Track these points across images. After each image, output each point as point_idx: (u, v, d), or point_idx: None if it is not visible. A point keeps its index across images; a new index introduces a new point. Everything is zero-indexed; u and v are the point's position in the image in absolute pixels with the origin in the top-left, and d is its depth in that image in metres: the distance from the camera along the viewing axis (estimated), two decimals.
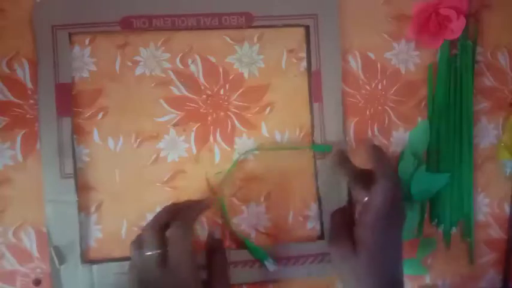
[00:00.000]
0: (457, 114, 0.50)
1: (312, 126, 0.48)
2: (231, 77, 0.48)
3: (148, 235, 0.39)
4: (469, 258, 0.51)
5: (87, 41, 0.46)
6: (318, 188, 0.48)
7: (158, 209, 0.46)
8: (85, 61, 0.46)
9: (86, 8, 0.45)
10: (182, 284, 0.38)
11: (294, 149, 0.48)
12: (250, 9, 0.47)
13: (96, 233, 0.46)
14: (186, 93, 0.47)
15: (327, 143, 0.48)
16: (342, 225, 0.42)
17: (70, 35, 0.45)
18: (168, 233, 0.39)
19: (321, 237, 0.48)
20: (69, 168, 0.45)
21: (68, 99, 0.45)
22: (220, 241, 0.45)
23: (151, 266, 0.38)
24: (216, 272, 0.42)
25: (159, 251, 0.38)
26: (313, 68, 0.48)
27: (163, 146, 0.47)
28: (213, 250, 0.43)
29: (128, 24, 0.46)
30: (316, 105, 0.48)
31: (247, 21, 0.47)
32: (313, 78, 0.48)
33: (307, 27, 0.48)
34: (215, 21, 0.47)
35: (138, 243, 0.39)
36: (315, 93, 0.48)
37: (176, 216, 0.40)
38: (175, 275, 0.38)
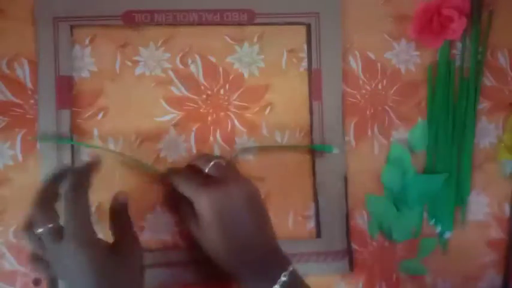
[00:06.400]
0: (457, 115, 0.50)
1: (311, 125, 0.48)
2: (231, 77, 0.48)
3: (35, 213, 0.37)
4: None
5: (87, 41, 0.46)
6: (315, 188, 0.48)
7: (158, 209, 0.47)
8: (85, 61, 0.46)
9: (88, 1, 0.45)
10: (82, 254, 0.36)
11: (291, 147, 0.48)
12: (252, 6, 0.47)
13: None
14: (186, 93, 0.47)
15: (326, 142, 0.48)
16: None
17: (71, 27, 0.45)
18: (62, 202, 0.37)
19: (318, 236, 0.48)
20: (67, 160, 0.45)
21: (69, 92, 0.45)
22: (124, 205, 0.42)
23: (47, 242, 0.36)
24: (122, 234, 0.40)
25: (50, 225, 0.36)
26: (314, 67, 0.48)
27: (163, 146, 0.47)
28: (118, 213, 0.41)
29: (129, 19, 0.46)
30: (315, 104, 0.48)
31: (249, 18, 0.47)
32: (313, 77, 0.48)
33: (308, 26, 0.48)
34: (217, 18, 0.47)
35: (27, 225, 0.37)
36: (314, 92, 0.48)
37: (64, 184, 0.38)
38: (73, 246, 0.35)
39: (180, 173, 0.44)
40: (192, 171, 0.43)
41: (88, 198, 0.38)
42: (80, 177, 0.39)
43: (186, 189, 0.41)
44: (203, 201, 0.40)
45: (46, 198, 0.38)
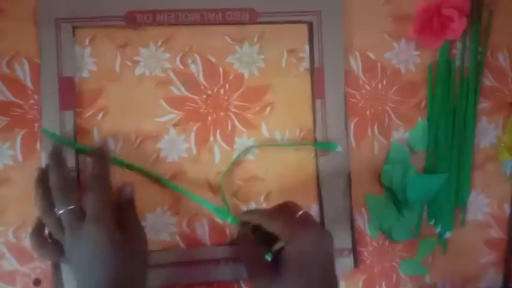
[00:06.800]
0: (457, 115, 0.50)
1: (314, 123, 0.48)
2: (231, 77, 0.48)
3: (56, 195, 0.40)
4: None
5: (87, 41, 0.46)
6: (319, 185, 0.48)
7: (158, 209, 0.47)
8: (85, 61, 0.46)
9: (90, 2, 0.45)
10: (102, 235, 0.38)
11: (295, 145, 0.48)
12: (254, 5, 0.47)
13: None
14: (186, 93, 0.47)
15: (329, 140, 0.48)
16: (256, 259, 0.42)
17: (74, 28, 0.45)
18: (88, 185, 0.40)
19: None
20: (71, 162, 0.45)
21: (71, 93, 0.45)
22: (131, 197, 0.44)
23: (67, 223, 0.39)
24: (130, 224, 0.42)
25: (71, 207, 0.39)
26: (316, 65, 0.48)
27: (163, 146, 0.47)
28: (125, 204, 0.43)
29: (131, 19, 0.46)
30: (318, 102, 0.48)
31: (251, 18, 0.47)
32: (315, 75, 0.48)
33: (310, 24, 0.48)
34: (219, 17, 0.47)
35: (46, 207, 0.40)
36: (317, 90, 0.48)
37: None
38: (94, 227, 0.38)
39: (269, 212, 0.43)
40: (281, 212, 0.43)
41: (111, 184, 0.42)
42: (103, 164, 0.43)
43: (279, 227, 0.41)
44: (298, 244, 0.39)
45: (66, 181, 0.41)
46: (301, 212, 0.42)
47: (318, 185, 0.48)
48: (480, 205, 0.52)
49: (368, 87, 0.50)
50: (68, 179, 0.41)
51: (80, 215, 0.39)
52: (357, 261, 0.49)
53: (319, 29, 0.48)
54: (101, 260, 0.38)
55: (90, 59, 0.46)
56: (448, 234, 0.50)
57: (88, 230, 0.38)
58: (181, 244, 0.47)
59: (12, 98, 0.45)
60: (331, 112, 0.48)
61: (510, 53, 0.52)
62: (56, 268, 0.44)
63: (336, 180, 0.48)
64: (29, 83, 0.45)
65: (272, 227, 0.41)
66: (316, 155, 0.49)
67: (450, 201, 0.50)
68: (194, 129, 0.47)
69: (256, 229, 0.43)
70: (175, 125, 0.47)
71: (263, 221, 0.42)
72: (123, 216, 0.42)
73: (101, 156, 0.44)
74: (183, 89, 0.47)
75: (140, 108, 0.47)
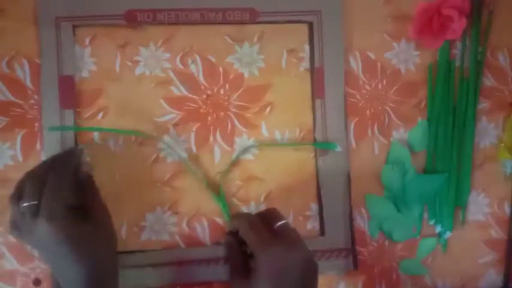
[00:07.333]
0: (457, 115, 0.50)
1: (314, 123, 0.48)
2: (231, 77, 0.48)
3: (27, 185, 0.38)
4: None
5: (87, 41, 0.46)
6: (318, 185, 0.48)
7: (158, 209, 0.47)
8: (85, 61, 0.46)
9: (90, 1, 0.45)
10: (53, 227, 0.36)
11: (295, 145, 0.48)
12: (254, 4, 0.47)
13: None
14: (186, 93, 0.47)
15: (328, 140, 0.48)
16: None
17: (74, 27, 0.45)
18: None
19: (322, 234, 0.49)
20: None
21: (71, 92, 0.45)
22: (90, 175, 0.43)
23: (26, 217, 0.37)
24: (92, 203, 0.41)
25: (35, 202, 0.37)
26: (316, 65, 0.48)
27: (163, 146, 0.47)
28: (85, 183, 0.42)
29: (132, 18, 0.46)
30: (318, 102, 0.48)
31: (251, 17, 0.47)
32: (315, 75, 0.48)
33: (310, 24, 0.48)
34: (219, 16, 0.47)
35: (17, 195, 0.38)
36: (317, 90, 0.48)
37: (56, 167, 0.39)
38: (45, 222, 0.36)
39: (249, 221, 0.42)
40: (260, 222, 0.42)
41: (69, 181, 0.39)
42: (65, 161, 0.40)
43: (252, 240, 0.40)
44: (267, 257, 0.38)
45: (40, 175, 0.38)
46: (280, 223, 0.41)
47: (318, 184, 0.48)
48: (480, 205, 0.52)
49: (368, 87, 0.50)
50: (44, 173, 0.39)
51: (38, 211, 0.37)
52: (356, 261, 0.49)
53: (319, 29, 0.48)
54: (58, 247, 0.37)
55: (90, 59, 0.46)
56: (448, 234, 0.50)
57: (41, 225, 0.36)
58: (181, 244, 0.47)
59: (12, 98, 0.45)
60: (331, 112, 0.48)
61: (510, 53, 0.52)
62: None
63: (336, 180, 0.48)
64: (29, 83, 0.45)
65: (246, 238, 0.40)
66: (315, 155, 0.49)
67: (450, 201, 0.50)
68: (194, 129, 0.47)
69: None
70: (175, 125, 0.47)
71: (240, 230, 0.41)
72: (85, 197, 0.40)
73: (69, 154, 0.42)
74: (183, 89, 0.47)
75: (140, 108, 0.47)
